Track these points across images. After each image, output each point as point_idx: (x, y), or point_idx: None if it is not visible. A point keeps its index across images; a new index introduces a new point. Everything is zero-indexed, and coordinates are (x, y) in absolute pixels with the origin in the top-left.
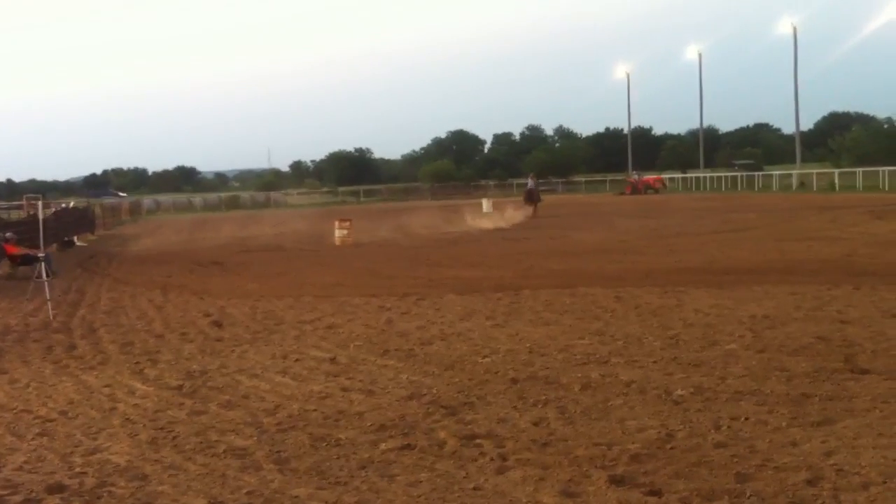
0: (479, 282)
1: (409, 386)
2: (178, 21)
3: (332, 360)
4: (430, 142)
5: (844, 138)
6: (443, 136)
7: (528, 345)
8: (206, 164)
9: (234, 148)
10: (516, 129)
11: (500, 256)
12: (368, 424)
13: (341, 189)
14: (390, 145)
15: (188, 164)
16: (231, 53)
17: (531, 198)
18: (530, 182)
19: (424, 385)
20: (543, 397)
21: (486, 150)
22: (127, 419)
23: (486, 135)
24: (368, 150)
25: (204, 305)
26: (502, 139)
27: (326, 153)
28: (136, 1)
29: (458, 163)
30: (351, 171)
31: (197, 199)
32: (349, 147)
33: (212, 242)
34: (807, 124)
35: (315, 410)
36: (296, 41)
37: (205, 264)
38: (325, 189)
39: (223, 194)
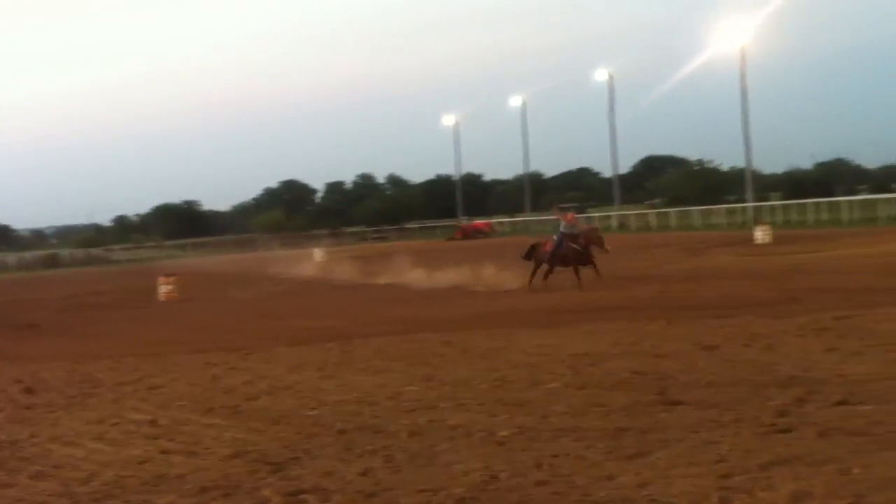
0: (311, 332)
1: (233, 444)
2: None
3: (153, 423)
4: (261, 191)
5: (660, 180)
6: (274, 185)
7: (356, 394)
8: (22, 221)
9: (53, 204)
10: (348, 178)
11: (335, 306)
12: (189, 487)
13: (168, 243)
14: (221, 197)
15: (1, 221)
16: (45, 104)
17: None
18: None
19: (249, 442)
20: (371, 447)
21: (318, 199)
22: None
23: (318, 184)
24: (197, 202)
25: (16, 371)
26: (334, 188)
27: (152, 206)
28: None
29: (289, 212)
30: (179, 224)
31: (11, 258)
32: (176, 199)
33: (28, 304)
34: (625, 167)
35: (132, 476)
36: (113, 94)
37: (18, 327)
38: (150, 244)
39: (40, 252)
